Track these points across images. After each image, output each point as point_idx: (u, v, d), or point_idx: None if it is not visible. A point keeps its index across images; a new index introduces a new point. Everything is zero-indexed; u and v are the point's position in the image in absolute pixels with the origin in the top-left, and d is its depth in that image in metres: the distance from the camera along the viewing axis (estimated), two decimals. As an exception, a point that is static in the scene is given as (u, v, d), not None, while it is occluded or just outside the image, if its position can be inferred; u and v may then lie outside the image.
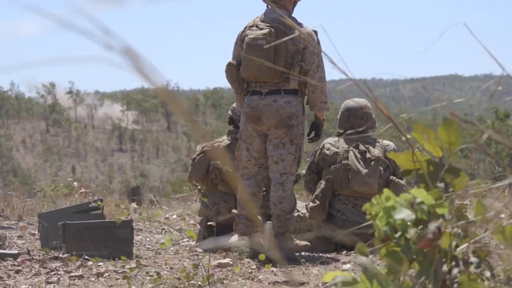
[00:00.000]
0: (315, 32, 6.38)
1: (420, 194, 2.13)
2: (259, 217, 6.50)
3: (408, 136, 2.94)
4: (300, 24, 6.30)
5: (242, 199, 6.41)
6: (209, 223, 5.61)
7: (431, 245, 2.05)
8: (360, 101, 7.29)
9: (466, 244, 2.08)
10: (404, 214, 2.10)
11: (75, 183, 10.73)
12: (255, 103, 6.32)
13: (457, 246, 2.09)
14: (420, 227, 2.11)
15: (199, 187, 7.03)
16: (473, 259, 2.09)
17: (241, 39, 6.41)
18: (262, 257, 4.90)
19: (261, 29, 6.26)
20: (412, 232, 2.09)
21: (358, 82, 2.05)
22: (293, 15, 6.49)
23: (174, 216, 9.96)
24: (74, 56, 1.35)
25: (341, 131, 7.20)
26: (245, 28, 6.40)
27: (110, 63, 1.30)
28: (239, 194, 6.46)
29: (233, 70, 6.37)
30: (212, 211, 7.16)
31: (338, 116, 7.33)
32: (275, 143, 6.31)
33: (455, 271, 2.05)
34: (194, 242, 6.97)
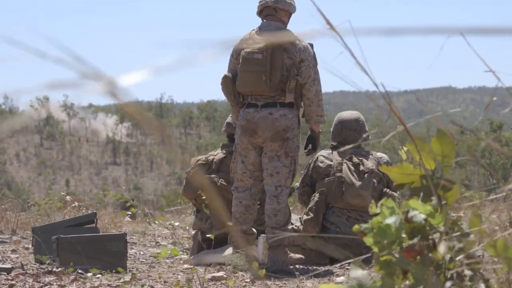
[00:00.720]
0: (311, 45, 6.39)
1: (414, 204, 2.13)
2: (251, 233, 6.49)
3: (404, 148, 2.94)
4: (296, 38, 6.31)
5: (236, 212, 6.41)
6: (207, 235, 5.60)
7: (416, 255, 2.05)
8: (353, 113, 7.30)
9: (460, 257, 2.08)
10: (392, 219, 2.10)
11: (68, 197, 10.70)
12: (250, 115, 6.33)
13: (451, 258, 2.09)
14: (415, 239, 2.10)
15: (194, 201, 7.02)
16: (467, 271, 2.09)
17: (236, 51, 6.41)
18: (262, 272, 4.87)
19: (257, 42, 6.26)
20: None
21: (370, 94, 2.06)
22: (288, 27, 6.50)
23: (177, 224, 9.96)
24: (55, 81, 1.41)
25: (334, 144, 7.20)
26: (240, 40, 6.40)
27: (85, 90, 1.38)
28: (233, 207, 6.46)
29: (228, 83, 6.38)
30: (206, 224, 7.16)
31: (331, 129, 7.33)
32: (270, 156, 6.32)
33: (448, 284, 2.05)
34: (189, 255, 6.96)
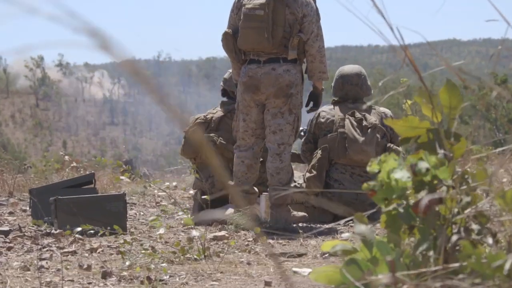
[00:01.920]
0: (314, 0, 6.26)
1: (422, 156, 2.08)
2: (253, 192, 6.40)
3: (409, 102, 2.83)
4: None
5: (237, 171, 6.32)
6: (203, 196, 5.52)
7: (426, 211, 2.01)
8: (354, 67, 7.20)
9: (468, 210, 2.05)
10: (400, 174, 2.05)
11: (66, 157, 10.61)
12: (253, 71, 6.21)
13: (458, 212, 2.05)
14: (422, 192, 2.05)
15: (192, 162, 6.92)
16: (474, 226, 2.06)
17: (237, 7, 6.28)
18: (257, 230, 4.83)
19: None
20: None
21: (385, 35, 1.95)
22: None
23: (174, 184, 9.88)
24: (46, 40, 1.39)
25: (336, 99, 7.09)
26: None
27: (79, 45, 1.34)
28: (234, 166, 6.36)
29: (229, 40, 6.25)
30: (207, 184, 7.07)
31: (333, 84, 7.21)
32: (273, 113, 6.20)
33: (455, 237, 2.01)
34: (189, 215, 6.87)
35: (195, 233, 4.84)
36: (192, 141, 7.19)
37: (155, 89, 1.36)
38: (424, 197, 2.02)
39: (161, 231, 5.11)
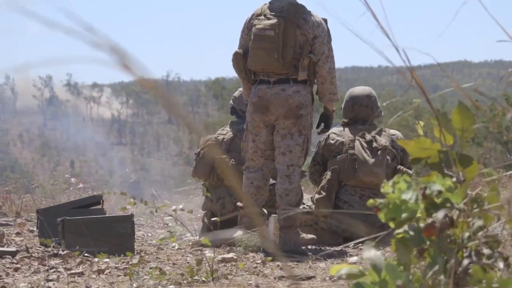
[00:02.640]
0: (325, 20, 6.24)
1: (434, 179, 2.05)
2: (261, 214, 6.37)
3: (421, 123, 2.81)
4: (309, 13, 6.17)
5: (246, 192, 6.28)
6: (213, 218, 5.49)
7: (437, 233, 2.00)
8: (365, 89, 7.18)
9: (479, 234, 2.04)
10: (409, 195, 2.04)
11: (72, 179, 10.59)
12: (263, 92, 6.19)
13: (469, 236, 2.04)
14: (434, 215, 2.04)
15: (203, 182, 6.90)
16: (485, 250, 2.04)
17: (248, 27, 6.27)
18: (269, 259, 4.82)
19: (269, 18, 6.11)
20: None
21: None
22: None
23: (181, 206, 9.85)
24: (68, 56, 1.35)
25: (345, 120, 7.07)
26: (252, 15, 6.26)
27: (99, 62, 1.31)
28: (243, 188, 6.33)
29: (240, 60, 6.24)
30: (217, 206, 7.04)
31: (343, 105, 7.19)
32: (283, 134, 6.17)
33: (466, 261, 2.00)
34: (197, 236, 6.83)
35: (208, 253, 4.81)
36: (207, 160, 7.18)
37: (174, 105, 1.34)
38: (436, 219, 2.00)
39: (175, 245, 5.05)
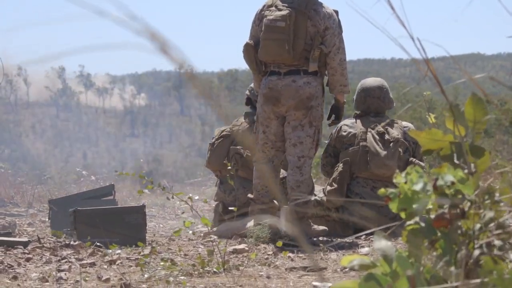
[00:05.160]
0: (336, 12, 6.22)
1: (446, 170, 2.05)
2: (273, 205, 6.36)
3: (432, 115, 2.79)
4: (320, 4, 6.15)
5: (257, 184, 6.27)
6: (230, 208, 5.48)
7: (446, 224, 1.99)
8: (376, 80, 7.15)
9: (490, 225, 2.01)
10: (419, 185, 2.01)
11: (84, 172, 10.62)
12: (273, 83, 6.17)
13: (480, 228, 2.02)
14: (445, 206, 2.02)
15: (218, 172, 6.89)
16: (496, 241, 2.01)
17: (259, 18, 6.26)
18: (279, 244, 4.83)
19: (280, 10, 6.10)
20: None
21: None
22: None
23: (197, 197, 9.87)
24: (104, 43, 1.41)
25: (358, 112, 7.04)
26: (263, 6, 6.25)
27: (138, 48, 1.37)
28: (254, 179, 6.32)
29: (250, 51, 6.22)
30: (229, 197, 7.04)
31: (355, 97, 7.16)
32: (293, 125, 6.16)
33: (477, 253, 1.99)
34: (209, 228, 6.84)
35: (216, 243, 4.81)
36: (221, 151, 7.17)
37: (212, 96, 1.41)
38: (445, 210, 2.00)
39: (188, 235, 5.03)
